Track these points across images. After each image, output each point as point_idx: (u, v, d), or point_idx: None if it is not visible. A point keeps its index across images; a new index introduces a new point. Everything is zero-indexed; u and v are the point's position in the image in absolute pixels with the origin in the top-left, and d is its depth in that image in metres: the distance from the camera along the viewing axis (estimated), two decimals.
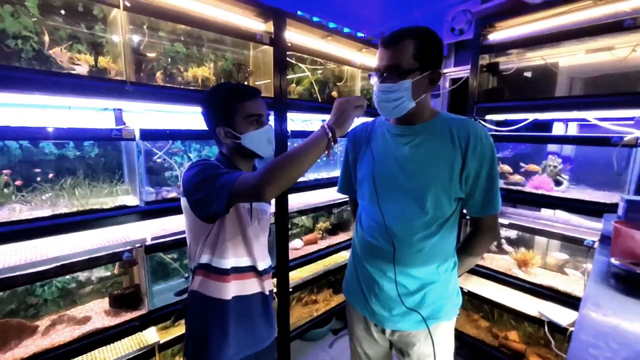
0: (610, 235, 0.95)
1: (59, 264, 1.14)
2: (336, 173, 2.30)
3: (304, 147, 0.80)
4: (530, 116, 1.77)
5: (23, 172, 1.28)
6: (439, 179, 0.90)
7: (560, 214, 1.92)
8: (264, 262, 1.06)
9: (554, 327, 1.63)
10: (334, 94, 2.21)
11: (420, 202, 0.91)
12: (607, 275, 0.85)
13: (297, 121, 2.25)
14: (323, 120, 2.39)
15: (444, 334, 1.00)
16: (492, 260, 1.99)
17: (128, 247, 1.29)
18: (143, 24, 1.42)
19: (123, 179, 1.52)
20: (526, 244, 2.01)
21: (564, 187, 1.78)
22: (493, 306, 1.93)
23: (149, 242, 1.35)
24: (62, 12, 1.26)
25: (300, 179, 2.05)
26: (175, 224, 1.51)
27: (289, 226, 1.97)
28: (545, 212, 2.03)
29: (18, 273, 1.07)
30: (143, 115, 1.47)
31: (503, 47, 1.81)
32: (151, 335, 1.40)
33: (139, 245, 1.32)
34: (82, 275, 1.46)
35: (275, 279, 1.81)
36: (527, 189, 1.83)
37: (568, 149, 1.94)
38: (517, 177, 1.93)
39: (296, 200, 2.03)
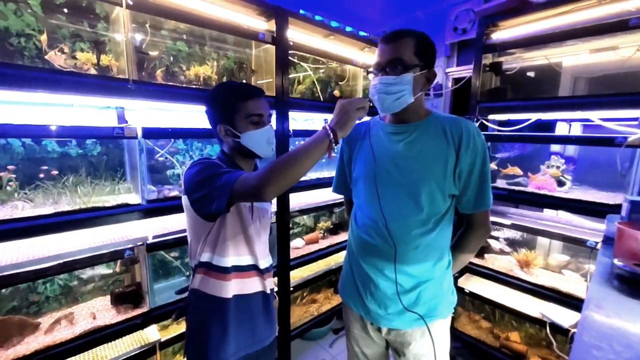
0: (613, 236, 0.94)
1: (61, 261, 1.15)
2: None
3: (305, 148, 0.80)
4: (533, 116, 1.76)
5: (26, 169, 1.28)
6: (433, 175, 0.92)
7: (563, 215, 1.91)
8: (265, 260, 1.06)
9: (556, 329, 1.62)
10: (336, 93, 2.21)
11: (415, 198, 0.93)
12: (610, 276, 0.84)
13: (299, 120, 2.25)
14: (325, 120, 2.40)
15: (440, 332, 1.00)
16: (493, 261, 1.98)
17: (130, 245, 1.29)
18: (145, 22, 1.42)
19: (125, 177, 1.52)
20: (528, 244, 2.00)
21: (567, 188, 1.77)
22: (494, 307, 1.93)
23: (150, 241, 1.35)
24: (65, 10, 1.26)
25: (302, 178, 2.05)
26: (177, 223, 1.51)
27: (290, 225, 1.97)
28: (548, 212, 2.02)
29: (20, 270, 1.08)
30: (145, 113, 1.48)
31: (506, 47, 1.80)
32: (152, 333, 1.40)
33: (140, 243, 1.32)
34: (84, 273, 1.47)
35: (276, 278, 1.81)
36: (530, 189, 1.82)
37: (571, 149, 1.93)
38: (517, 170, 1.91)
39: (297, 200, 2.03)
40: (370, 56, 2.21)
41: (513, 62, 1.92)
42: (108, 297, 1.42)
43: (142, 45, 1.42)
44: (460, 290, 1.99)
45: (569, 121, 1.91)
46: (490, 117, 1.92)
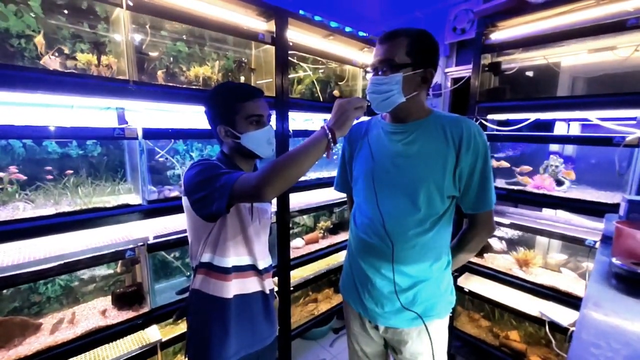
0: (611, 235, 0.95)
1: (62, 262, 1.15)
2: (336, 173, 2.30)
3: (304, 148, 0.80)
4: (532, 116, 1.77)
5: (26, 170, 1.28)
6: (431, 176, 0.91)
7: (562, 214, 1.91)
8: (265, 261, 1.07)
9: (555, 327, 1.63)
10: (336, 93, 2.21)
11: (413, 198, 0.92)
12: (608, 275, 0.85)
13: (298, 120, 2.25)
14: (325, 120, 2.40)
15: (437, 332, 1.00)
16: (493, 260, 1.99)
17: (130, 246, 1.30)
18: (145, 23, 1.43)
19: (125, 178, 1.52)
20: (527, 243, 2.01)
21: (566, 187, 1.78)
22: (494, 306, 1.94)
23: (151, 241, 1.35)
24: (65, 11, 1.26)
25: (302, 178, 2.05)
26: (178, 223, 1.52)
27: (290, 225, 1.97)
28: (547, 212, 2.03)
29: (22, 271, 1.08)
30: (145, 114, 1.48)
31: (505, 47, 1.80)
32: (153, 333, 1.41)
33: (141, 243, 1.33)
34: (85, 274, 1.47)
35: (276, 278, 1.81)
36: (529, 188, 1.83)
37: (570, 149, 1.94)
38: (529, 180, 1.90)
39: (297, 200, 2.03)
40: (370, 56, 2.21)
41: (512, 62, 1.93)
42: (109, 298, 1.43)
43: (142, 46, 1.42)
44: (459, 290, 2.00)
45: (568, 121, 1.92)
46: (489, 117, 1.92)
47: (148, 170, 1.40)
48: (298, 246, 2.10)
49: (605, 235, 1.13)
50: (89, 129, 1.21)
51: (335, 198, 2.17)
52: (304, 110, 1.90)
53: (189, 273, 1.73)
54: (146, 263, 1.38)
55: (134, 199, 1.36)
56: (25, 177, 1.24)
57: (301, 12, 1.81)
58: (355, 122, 0.95)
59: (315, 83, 2.06)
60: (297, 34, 1.79)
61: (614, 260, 0.84)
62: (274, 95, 1.65)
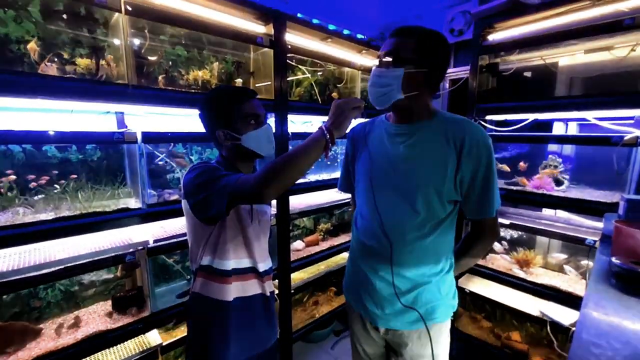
0: (611, 234, 0.95)
1: (62, 266, 1.15)
2: (337, 174, 2.30)
3: (302, 149, 0.81)
4: (530, 116, 1.78)
5: (26, 175, 1.28)
6: (431, 180, 0.89)
7: (561, 214, 1.92)
8: (265, 263, 1.07)
9: (557, 327, 1.63)
10: (334, 95, 2.22)
11: (411, 201, 0.91)
12: (608, 274, 0.85)
13: (298, 122, 2.26)
14: (323, 122, 2.40)
15: (438, 335, 0.99)
16: (493, 261, 1.99)
17: (131, 250, 1.30)
18: (144, 27, 1.43)
19: (125, 182, 1.52)
20: (527, 244, 2.01)
21: (565, 187, 1.78)
22: (495, 306, 1.93)
23: (151, 245, 1.35)
24: (64, 16, 1.27)
25: (301, 180, 2.05)
26: (178, 226, 1.52)
27: (290, 227, 1.97)
28: (546, 212, 2.03)
29: (22, 276, 1.08)
30: (145, 118, 1.48)
31: (502, 48, 1.81)
32: (154, 338, 1.40)
33: (141, 247, 1.33)
34: (85, 278, 1.47)
35: (276, 281, 1.81)
36: (528, 188, 1.83)
37: (568, 149, 1.95)
38: (526, 182, 1.91)
39: (297, 202, 2.03)
40: (368, 58, 2.23)
41: (509, 63, 1.94)
42: (109, 302, 1.42)
43: (141, 50, 1.43)
44: (460, 290, 2.00)
45: (566, 121, 1.92)
46: (488, 117, 1.93)
47: (148, 174, 1.40)
48: (298, 248, 2.10)
49: (605, 234, 1.13)
50: (88, 133, 1.21)
51: (335, 200, 2.18)
52: (303, 112, 1.90)
53: (189, 276, 1.73)
54: (146, 267, 1.38)
55: (134, 203, 1.36)
56: (15, 177, 1.22)
57: (299, 15, 1.82)
58: (358, 121, 0.95)
59: (314, 85, 2.07)
60: (295, 37, 1.79)
61: (613, 259, 0.84)
62: (273, 97, 1.66)
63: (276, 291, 1.81)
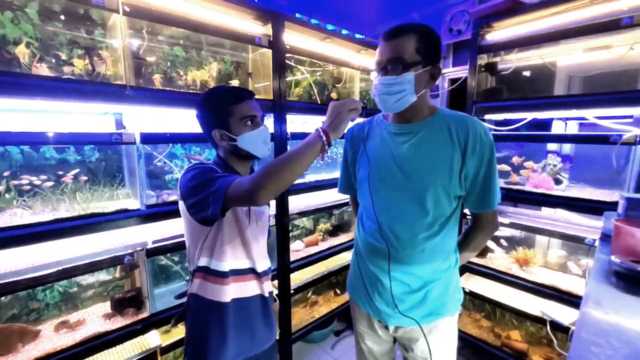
0: (610, 233, 0.95)
1: (60, 268, 1.15)
2: (337, 174, 2.30)
3: (298, 151, 0.80)
4: (529, 115, 1.78)
5: (24, 176, 1.28)
6: (438, 178, 0.90)
7: (561, 213, 1.92)
8: (263, 263, 1.07)
9: (556, 326, 1.63)
10: (333, 95, 2.22)
11: (421, 201, 0.91)
12: (607, 273, 0.85)
13: (297, 122, 2.25)
14: (323, 122, 2.40)
15: (446, 330, 1.01)
16: (493, 260, 1.99)
17: (129, 251, 1.29)
18: (142, 28, 1.43)
19: (124, 183, 1.52)
20: (527, 243, 2.01)
21: (564, 186, 1.78)
22: (495, 306, 1.93)
23: (150, 246, 1.35)
24: (62, 17, 1.26)
25: (301, 181, 2.05)
26: (176, 227, 1.51)
27: (290, 228, 1.97)
28: (546, 211, 2.03)
29: (20, 278, 1.07)
30: (144, 118, 1.48)
31: (501, 47, 1.82)
32: (153, 339, 1.40)
33: (140, 248, 1.32)
34: (83, 279, 1.46)
35: (276, 281, 1.81)
36: (527, 188, 1.83)
37: (567, 148, 1.95)
38: (516, 178, 1.93)
39: (297, 202, 2.03)
40: (367, 58, 2.22)
41: (508, 62, 1.94)
42: (108, 303, 1.42)
43: (139, 51, 1.43)
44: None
45: (565, 120, 1.92)
46: (487, 117, 1.93)
47: (146, 175, 1.40)
48: (298, 249, 2.09)
49: (604, 233, 1.13)
50: (86, 134, 1.20)
51: (334, 200, 2.17)
52: (302, 113, 1.90)
53: (188, 277, 1.72)
54: (145, 268, 1.37)
55: (133, 204, 1.35)
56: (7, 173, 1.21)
57: (298, 15, 1.81)
58: (356, 121, 0.95)
59: (313, 86, 2.07)
60: (294, 37, 1.79)
61: (613, 258, 0.84)
62: (272, 98, 1.65)
63: (275, 291, 1.81)
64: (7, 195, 1.21)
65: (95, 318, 1.36)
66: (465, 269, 2.01)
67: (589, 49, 1.68)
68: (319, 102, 2.08)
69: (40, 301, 1.36)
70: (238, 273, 1.00)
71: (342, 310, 2.24)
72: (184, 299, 1.07)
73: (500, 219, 1.89)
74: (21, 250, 1.15)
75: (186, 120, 1.65)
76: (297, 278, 2.00)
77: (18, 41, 1.16)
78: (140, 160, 1.35)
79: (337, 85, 2.31)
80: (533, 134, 1.80)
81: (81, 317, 1.36)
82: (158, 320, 1.38)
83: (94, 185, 1.41)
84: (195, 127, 1.47)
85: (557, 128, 1.99)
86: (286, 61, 1.72)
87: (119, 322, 1.33)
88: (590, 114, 1.61)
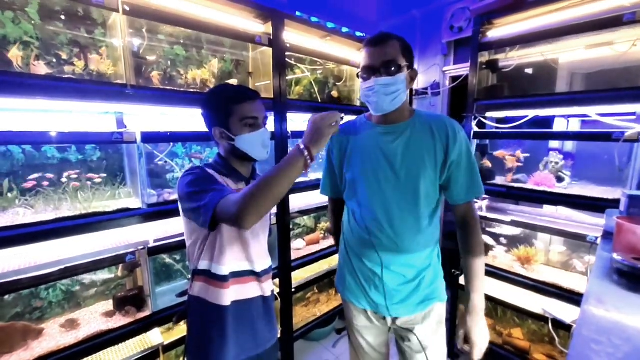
0: (612, 231, 0.94)
1: (62, 267, 1.15)
2: None
3: (281, 170, 0.80)
4: (531, 113, 1.76)
5: (26, 176, 1.29)
6: (427, 172, 0.98)
7: (563, 211, 1.91)
8: (264, 263, 1.06)
9: (558, 324, 1.62)
10: (334, 94, 2.21)
11: (414, 195, 0.98)
12: (609, 271, 0.85)
13: (297, 121, 2.25)
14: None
15: (439, 315, 1.09)
16: (494, 258, 1.99)
17: (131, 250, 1.30)
18: (142, 27, 1.43)
19: (125, 182, 1.52)
20: (529, 241, 2.00)
21: (566, 184, 1.77)
22: (496, 304, 1.93)
23: (151, 244, 1.36)
24: (62, 17, 1.26)
25: (302, 179, 2.05)
26: (177, 226, 1.51)
27: (291, 226, 1.97)
28: (548, 208, 2.02)
29: (23, 276, 1.08)
30: (144, 117, 1.48)
31: (502, 44, 1.80)
32: (155, 337, 1.41)
33: (141, 247, 1.33)
34: (86, 278, 1.47)
35: (277, 280, 1.81)
36: (529, 185, 1.83)
37: (569, 145, 1.94)
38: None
39: (298, 201, 2.03)
40: None
41: (509, 59, 1.93)
42: (111, 302, 1.43)
43: (139, 50, 1.43)
44: (462, 288, 2.00)
45: (567, 117, 1.91)
46: (488, 114, 1.92)
47: (147, 174, 1.40)
48: (299, 247, 2.10)
49: (606, 231, 1.13)
50: (87, 133, 1.21)
51: None
52: (302, 111, 1.90)
53: (190, 276, 1.73)
54: (147, 267, 1.38)
55: (134, 203, 1.36)
56: (34, 182, 1.22)
57: (298, 13, 1.81)
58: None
59: (314, 84, 2.07)
60: (294, 36, 1.79)
61: (615, 255, 0.83)
62: (272, 97, 1.65)
63: (277, 290, 1.81)
64: (9, 195, 1.22)
65: (97, 316, 1.37)
66: None
67: (591, 46, 1.66)
68: (320, 101, 2.07)
69: (43, 300, 1.37)
70: (238, 275, 0.99)
71: (343, 309, 2.24)
72: (185, 297, 1.07)
73: (502, 217, 1.89)
74: (24, 249, 1.15)
75: (187, 119, 1.65)
76: (299, 276, 2.00)
77: (19, 41, 1.16)
78: (141, 159, 1.36)
79: (337, 83, 2.31)
80: (535, 132, 1.79)
81: (84, 316, 1.37)
82: (160, 319, 1.39)
83: (96, 184, 1.41)
84: (196, 126, 1.49)
85: (558, 126, 1.98)
86: (286, 60, 1.72)
87: (121, 320, 1.33)
88: (593, 111, 1.60)
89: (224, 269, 0.96)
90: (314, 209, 2.06)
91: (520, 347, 1.78)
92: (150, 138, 1.33)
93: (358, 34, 2.10)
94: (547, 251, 1.99)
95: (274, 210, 1.74)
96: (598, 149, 1.77)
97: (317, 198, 2.17)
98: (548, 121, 1.99)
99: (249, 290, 1.02)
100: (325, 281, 2.31)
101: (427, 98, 2.68)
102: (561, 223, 1.77)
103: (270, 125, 1.68)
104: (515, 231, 2.07)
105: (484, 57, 1.92)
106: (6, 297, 1.28)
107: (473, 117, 1.88)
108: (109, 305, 1.43)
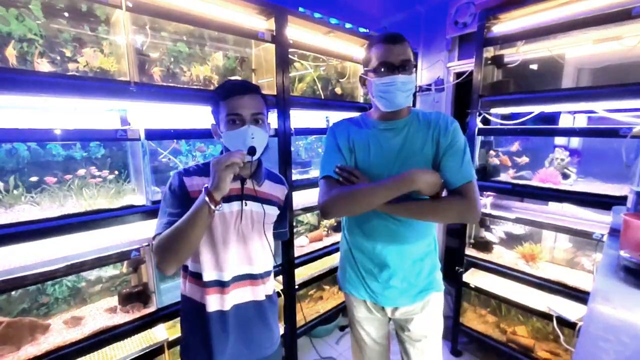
0: (619, 227, 0.93)
1: (68, 263, 1.16)
2: None
3: (188, 221, 0.83)
4: (537, 109, 1.74)
5: (32, 173, 1.30)
6: (429, 160, 1.01)
7: (568, 208, 1.89)
8: (256, 266, 1.02)
9: (563, 322, 1.62)
10: (337, 90, 2.20)
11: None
12: (616, 268, 0.84)
13: (301, 117, 2.24)
14: (327, 118, 2.39)
15: (437, 305, 1.13)
16: (498, 255, 1.98)
17: (136, 246, 1.31)
18: (145, 24, 1.43)
19: (129, 179, 1.53)
20: (534, 238, 1.99)
21: (572, 180, 1.75)
22: (500, 301, 1.92)
23: None
24: (66, 14, 1.27)
25: (305, 177, 2.05)
26: None
27: (294, 224, 1.97)
28: (553, 205, 2.01)
29: (29, 272, 1.09)
30: (148, 115, 1.48)
31: (507, 39, 1.78)
32: (160, 333, 1.42)
33: (146, 244, 1.33)
34: (91, 274, 1.48)
35: (281, 277, 1.81)
36: (534, 182, 1.81)
37: (575, 142, 1.91)
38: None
39: (301, 198, 2.03)
40: None
41: (515, 54, 1.91)
42: (116, 298, 1.44)
43: (142, 47, 1.43)
44: (465, 285, 1.99)
45: (573, 113, 1.89)
46: (493, 110, 1.90)
47: (151, 171, 1.41)
48: (302, 244, 2.10)
49: (613, 228, 1.12)
50: (92, 130, 1.21)
51: None
52: (305, 108, 1.89)
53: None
54: (151, 263, 1.39)
55: (138, 200, 1.37)
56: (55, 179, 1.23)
57: (301, 9, 1.80)
58: (345, 116, 0.96)
59: (317, 80, 2.06)
60: (297, 32, 1.78)
61: (622, 253, 0.83)
62: (275, 93, 1.65)
63: (280, 287, 1.82)
64: (15, 192, 1.23)
65: (103, 312, 1.38)
66: (470, 264, 2.00)
67: (598, 41, 1.64)
68: (323, 97, 2.06)
69: (50, 296, 1.38)
70: (223, 284, 0.97)
71: (346, 306, 2.25)
72: None
73: (506, 214, 1.88)
74: (30, 246, 1.17)
75: (190, 116, 1.65)
76: (302, 273, 2.00)
77: (23, 38, 1.16)
78: (145, 157, 1.36)
79: (340, 80, 2.29)
80: (541, 128, 1.77)
81: (89, 312, 1.38)
82: (165, 315, 1.40)
83: (100, 181, 1.42)
84: (199, 123, 1.49)
85: (564, 122, 1.95)
86: (289, 56, 1.71)
87: (126, 316, 1.34)
88: (600, 107, 1.58)
89: (204, 275, 0.96)
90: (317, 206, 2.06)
91: (525, 344, 1.78)
92: (154, 135, 1.33)
93: (361, 29, 2.09)
94: (551, 248, 1.98)
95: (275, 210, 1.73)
96: (604, 145, 1.75)
97: None
98: (553, 118, 1.97)
99: (245, 294, 1.01)
100: (328, 278, 2.31)
101: (431, 94, 2.66)
102: (567, 220, 1.76)
103: (274, 122, 1.67)
104: (520, 228, 2.06)
105: (489, 52, 1.90)
106: (13, 293, 1.29)
107: (478, 114, 1.86)
108: (114, 301, 1.44)
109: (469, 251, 2.02)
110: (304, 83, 2.03)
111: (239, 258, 0.99)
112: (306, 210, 2.00)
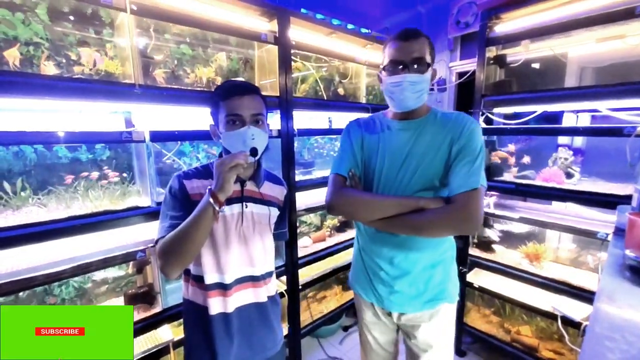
0: (624, 227, 0.93)
1: (75, 264, 1.17)
2: None
3: (192, 222, 0.84)
4: (539, 108, 1.74)
5: (38, 175, 1.31)
6: (442, 163, 0.96)
7: (572, 207, 1.89)
8: (257, 268, 1.03)
9: (568, 322, 1.61)
10: (340, 91, 2.21)
11: (431, 187, 0.97)
12: (621, 267, 0.84)
13: (304, 118, 2.25)
14: (330, 119, 2.39)
15: (447, 316, 1.06)
16: (502, 255, 1.98)
17: (141, 247, 1.32)
18: (149, 27, 1.44)
19: (134, 181, 1.54)
20: (538, 238, 1.98)
21: (576, 180, 1.75)
22: (504, 301, 1.92)
23: None
24: (71, 17, 1.28)
25: (308, 177, 2.05)
26: None
27: (297, 224, 1.97)
28: (557, 205, 2.00)
29: (37, 274, 1.10)
30: (152, 117, 1.49)
31: (510, 39, 1.78)
32: (165, 333, 1.43)
33: (151, 245, 1.34)
34: (97, 275, 1.50)
35: (284, 277, 1.82)
36: (538, 182, 1.81)
37: (579, 141, 1.91)
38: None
39: (304, 199, 2.03)
40: (373, 53, 2.20)
41: (517, 54, 1.90)
42: (122, 299, 1.45)
43: (147, 50, 1.44)
44: (469, 285, 1.99)
45: (576, 112, 1.88)
46: (496, 110, 1.90)
47: (156, 173, 1.42)
48: (306, 245, 2.10)
49: (618, 227, 1.11)
50: (97, 133, 1.22)
51: None
52: (308, 109, 1.90)
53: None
54: (157, 264, 1.40)
55: (143, 201, 1.38)
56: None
57: (303, 10, 1.80)
58: (358, 116, 0.94)
59: (319, 81, 2.06)
60: (299, 33, 1.78)
61: (627, 252, 0.82)
62: (278, 94, 1.65)
63: (284, 287, 1.82)
64: (22, 194, 1.24)
65: None
66: (474, 264, 2.00)
67: (601, 39, 1.63)
68: (326, 98, 2.07)
69: (57, 296, 1.40)
70: (219, 287, 0.97)
71: (350, 306, 2.25)
72: None
73: (510, 214, 1.87)
74: (37, 247, 1.18)
75: (194, 118, 1.66)
76: (306, 274, 2.01)
77: (29, 42, 1.18)
78: (150, 158, 1.37)
79: (343, 80, 2.30)
80: (544, 127, 1.77)
81: None
82: (170, 315, 1.41)
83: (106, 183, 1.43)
84: (203, 124, 1.49)
85: (568, 121, 1.95)
86: (292, 57, 1.71)
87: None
88: (603, 106, 1.57)
89: (206, 278, 0.96)
90: (321, 207, 2.06)
91: (529, 344, 1.77)
92: (158, 137, 1.34)
93: (363, 30, 2.09)
94: (556, 248, 1.97)
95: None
96: (608, 144, 1.74)
97: (323, 195, 2.16)
98: (556, 117, 1.96)
99: (244, 297, 1.01)
100: (331, 278, 2.31)
101: (433, 94, 2.66)
102: (570, 219, 1.75)
103: (276, 123, 1.68)
104: (523, 228, 2.05)
105: (492, 52, 1.90)
106: (20, 293, 1.30)
107: (480, 113, 1.86)
108: (120, 302, 1.45)
109: (473, 251, 2.02)
110: (306, 84, 2.04)
111: (241, 260, 1.00)
112: (309, 210, 2.00)
